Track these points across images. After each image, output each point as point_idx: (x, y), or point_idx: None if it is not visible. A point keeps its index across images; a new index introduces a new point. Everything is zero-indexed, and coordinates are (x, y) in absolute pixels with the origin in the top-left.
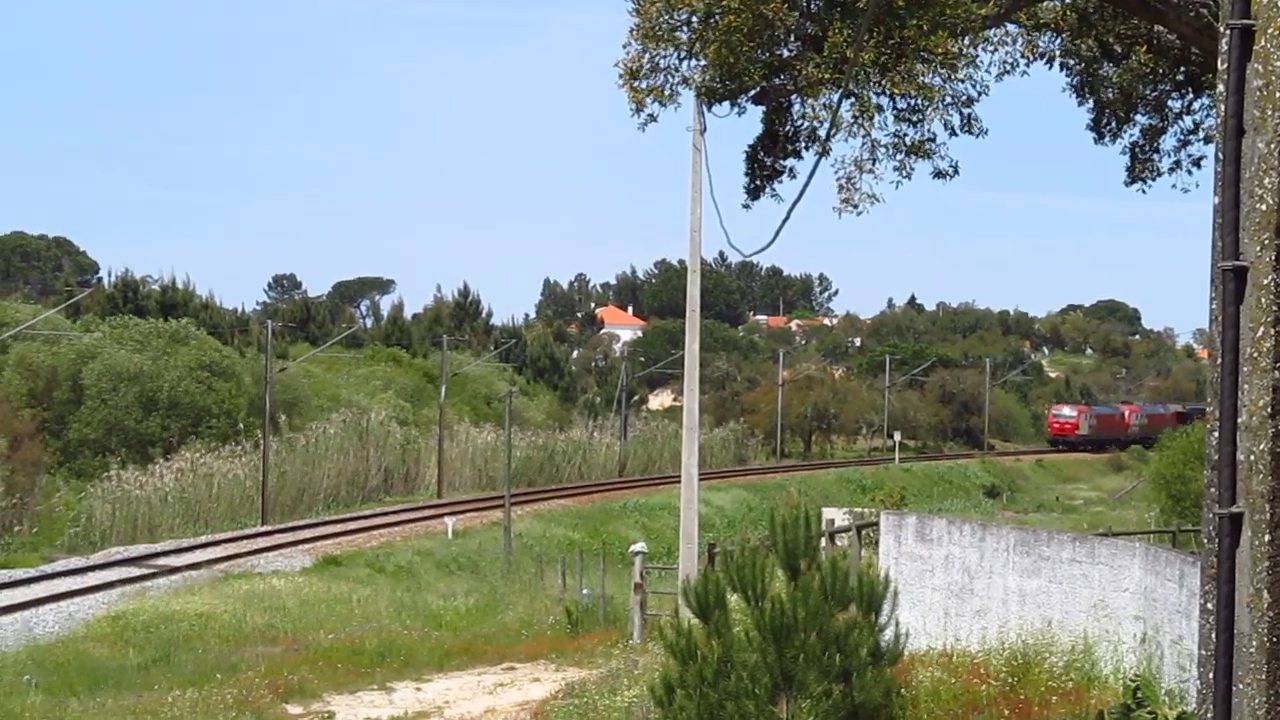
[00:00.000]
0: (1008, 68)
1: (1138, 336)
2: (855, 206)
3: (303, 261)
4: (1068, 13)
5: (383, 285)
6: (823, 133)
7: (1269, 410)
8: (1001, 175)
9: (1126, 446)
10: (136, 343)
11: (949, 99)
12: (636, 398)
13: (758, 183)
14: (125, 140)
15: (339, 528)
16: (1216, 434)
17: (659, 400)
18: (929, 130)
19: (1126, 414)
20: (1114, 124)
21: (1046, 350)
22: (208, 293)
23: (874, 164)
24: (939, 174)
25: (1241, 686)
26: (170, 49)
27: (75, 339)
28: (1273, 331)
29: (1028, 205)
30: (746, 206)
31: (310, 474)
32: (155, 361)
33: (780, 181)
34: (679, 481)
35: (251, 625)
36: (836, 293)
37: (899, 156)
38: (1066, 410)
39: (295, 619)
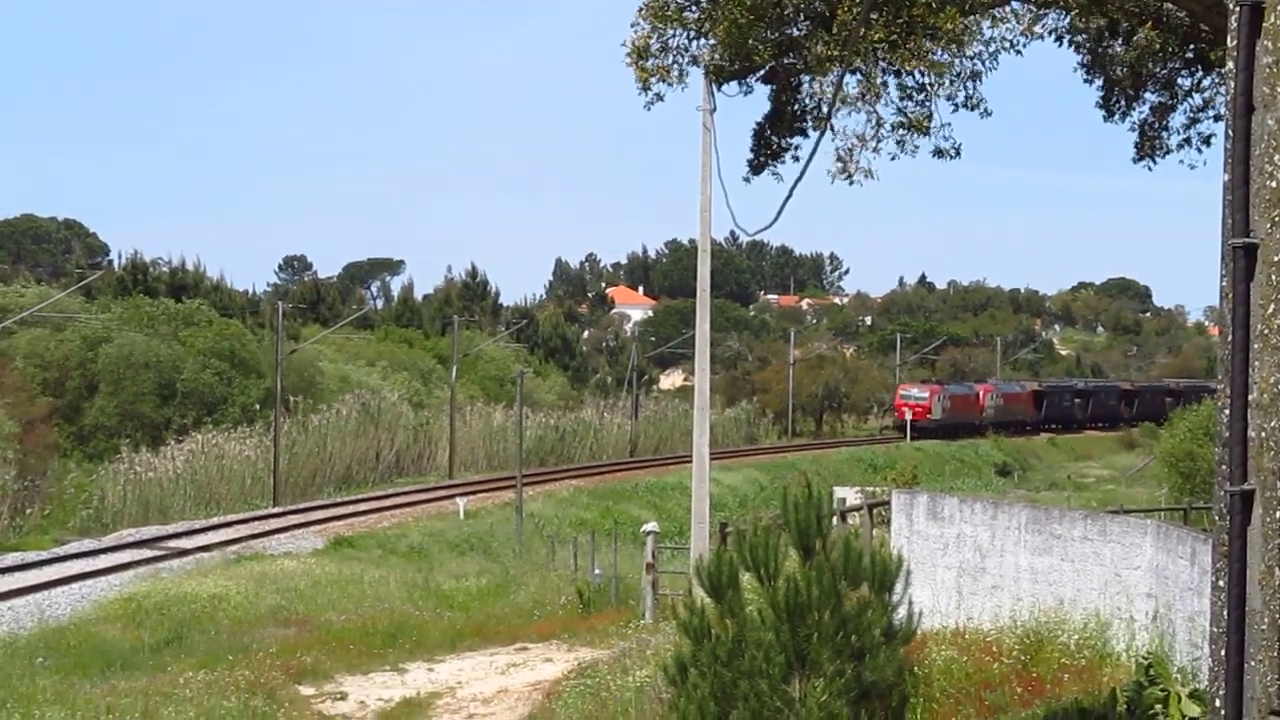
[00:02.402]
0: (1014, 45)
1: (1149, 314)
2: (850, 177)
3: (313, 243)
4: None
5: (393, 266)
6: (829, 110)
7: None
8: (1012, 153)
9: (981, 432)
10: (146, 327)
11: (956, 75)
12: (647, 378)
13: (762, 159)
14: (136, 122)
15: (351, 509)
16: (1228, 411)
17: (670, 380)
18: (933, 107)
19: (981, 394)
20: (1123, 102)
21: (1058, 328)
22: (218, 274)
23: (877, 142)
24: (939, 153)
25: (1253, 663)
26: (181, 30)
27: (86, 321)
28: None
29: (1038, 183)
30: (747, 180)
31: (322, 455)
32: (171, 348)
33: (783, 161)
34: (690, 461)
35: (264, 606)
36: (847, 272)
37: (900, 133)
38: (916, 391)
39: (307, 600)
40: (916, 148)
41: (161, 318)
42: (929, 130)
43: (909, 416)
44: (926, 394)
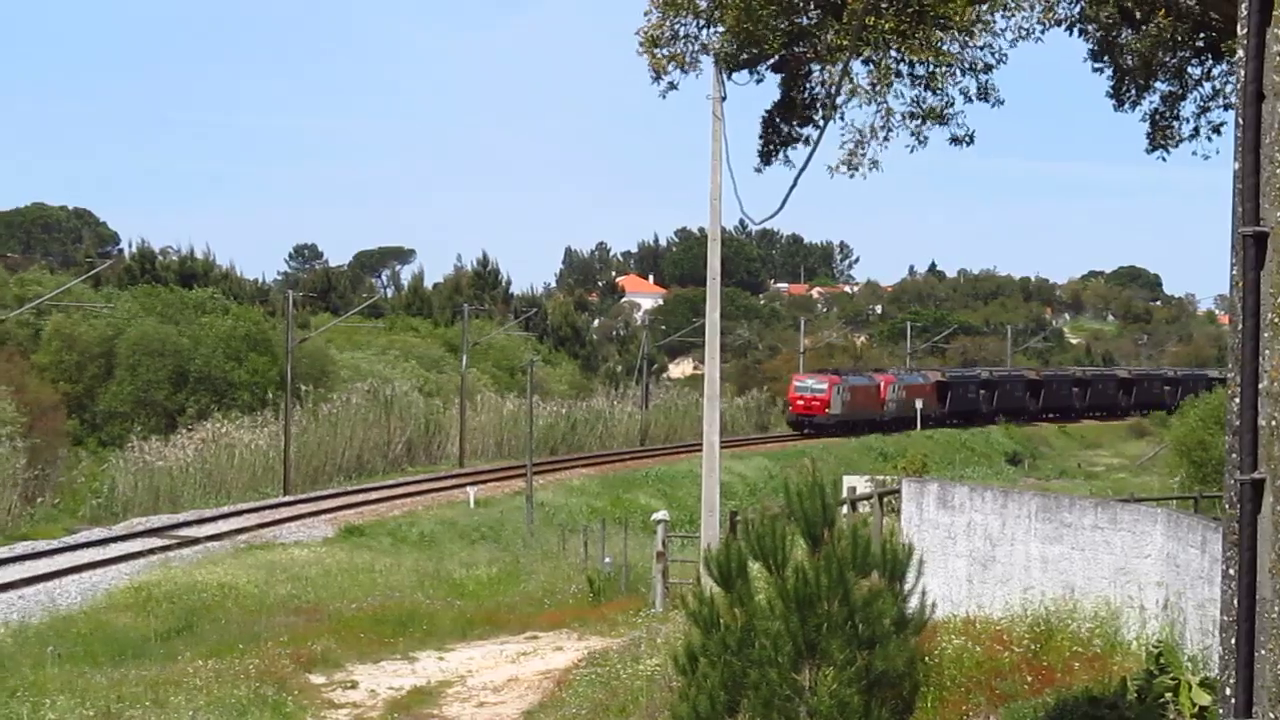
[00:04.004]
0: (1025, 34)
1: (1159, 302)
2: (855, 169)
3: (323, 231)
4: None
5: (403, 255)
6: (834, 99)
7: None
8: (1022, 141)
9: (883, 428)
10: (160, 315)
11: (966, 65)
12: (657, 366)
13: (771, 147)
14: (146, 111)
15: (361, 498)
16: (1238, 400)
17: (680, 369)
18: (947, 96)
19: (883, 386)
20: (1134, 91)
21: (1068, 316)
22: (228, 263)
23: (887, 133)
24: (955, 140)
25: (1264, 652)
26: (191, 19)
27: (108, 310)
28: None
29: (1049, 171)
30: (759, 170)
31: (332, 444)
32: (190, 335)
33: (794, 148)
34: (701, 450)
35: (274, 595)
36: (857, 260)
37: (914, 123)
38: (813, 382)
39: (318, 589)
40: (927, 138)
41: (177, 304)
42: (946, 119)
43: (805, 411)
44: (825, 385)
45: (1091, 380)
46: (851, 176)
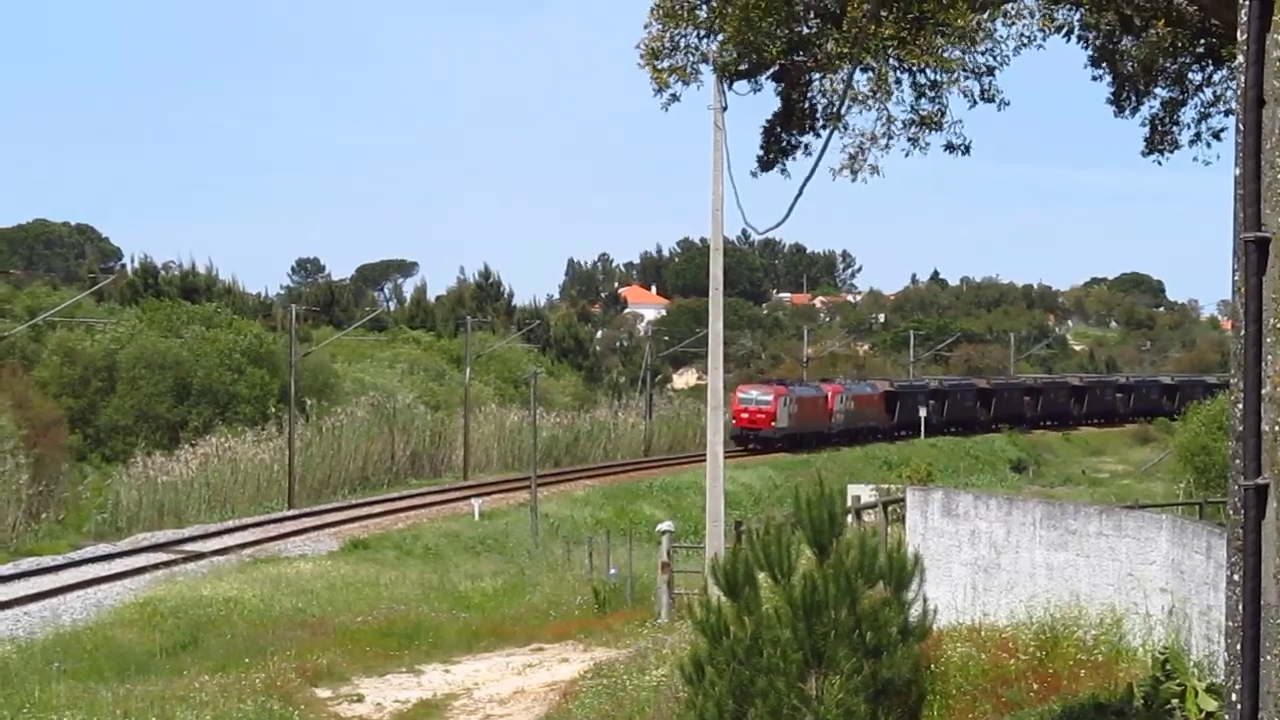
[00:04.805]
0: (1026, 40)
1: (1162, 309)
2: (855, 174)
3: (326, 245)
4: None
5: (406, 268)
6: (838, 107)
7: None
8: (1023, 148)
9: (831, 441)
10: (166, 328)
11: (968, 71)
12: (661, 377)
13: (772, 156)
14: (148, 125)
15: (365, 511)
16: (1241, 406)
17: (684, 379)
18: (944, 103)
19: (830, 396)
20: (1134, 97)
21: (1071, 323)
22: (230, 277)
23: (888, 139)
24: (951, 147)
25: (1269, 658)
26: (191, 31)
27: (111, 325)
28: None
29: (1050, 178)
30: (755, 175)
31: (336, 457)
32: (192, 349)
33: (794, 158)
34: (705, 460)
35: (279, 609)
36: (860, 269)
37: (912, 130)
38: (757, 393)
39: (323, 602)
40: (928, 144)
41: (183, 318)
42: (942, 126)
43: (750, 424)
44: (770, 397)
45: (1042, 389)
46: (853, 180)
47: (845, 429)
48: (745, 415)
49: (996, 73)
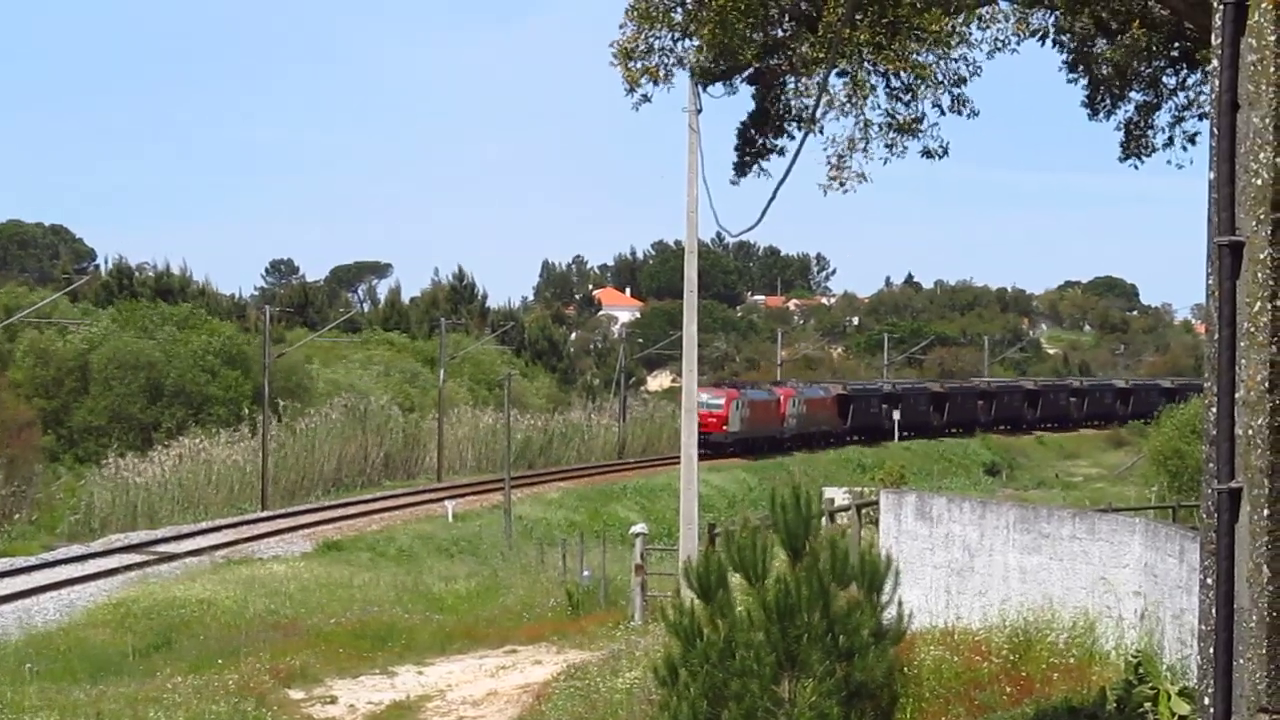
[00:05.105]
0: (1000, 45)
1: (1135, 312)
2: (843, 185)
3: (300, 246)
4: None
5: (380, 269)
6: (813, 111)
7: (1266, 385)
8: (998, 152)
9: (783, 447)
10: (141, 329)
11: (941, 78)
12: (635, 379)
13: (747, 159)
14: (121, 126)
15: (339, 512)
16: (1215, 409)
17: (658, 381)
18: (920, 109)
19: (782, 400)
20: (1108, 100)
21: (1044, 327)
22: (204, 278)
23: (866, 144)
24: (928, 153)
25: (1242, 661)
26: (167, 34)
27: (86, 326)
28: (1269, 306)
29: (1024, 182)
30: (734, 183)
31: (310, 459)
32: (165, 350)
33: (769, 160)
34: (679, 463)
35: (253, 611)
36: (834, 272)
37: (890, 135)
38: (707, 396)
39: (296, 604)
40: (905, 149)
41: (157, 319)
42: (918, 132)
43: (701, 429)
44: (721, 400)
45: (996, 393)
46: (843, 192)
47: (798, 433)
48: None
49: (968, 82)
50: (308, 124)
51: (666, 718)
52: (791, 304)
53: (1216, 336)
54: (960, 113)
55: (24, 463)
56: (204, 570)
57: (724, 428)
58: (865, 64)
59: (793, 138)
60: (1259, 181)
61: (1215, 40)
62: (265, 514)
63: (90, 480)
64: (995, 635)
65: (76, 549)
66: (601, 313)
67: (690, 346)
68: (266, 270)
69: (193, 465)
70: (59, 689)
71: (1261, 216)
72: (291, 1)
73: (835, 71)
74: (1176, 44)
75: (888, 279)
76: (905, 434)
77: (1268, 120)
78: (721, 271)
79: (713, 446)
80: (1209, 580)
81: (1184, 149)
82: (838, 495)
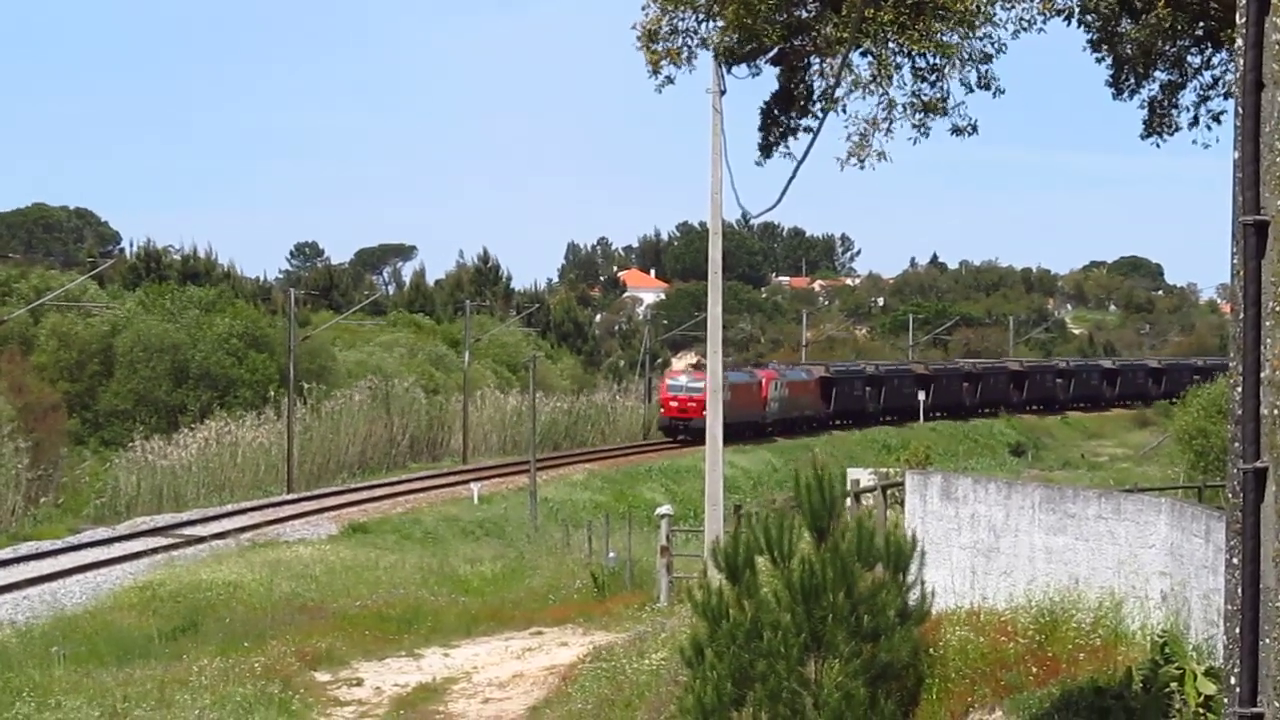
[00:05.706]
0: (1026, 25)
1: (1160, 292)
2: (863, 162)
3: (325, 229)
4: None
5: (405, 252)
6: (833, 90)
7: None
8: (1023, 132)
9: (765, 432)
10: (167, 311)
11: (966, 56)
12: (660, 360)
13: (771, 139)
14: (146, 110)
15: (365, 495)
16: (1240, 389)
17: (682, 362)
18: (946, 88)
19: (764, 383)
20: (1133, 80)
21: (1070, 307)
22: (229, 261)
23: (890, 124)
24: (957, 130)
25: (1268, 640)
26: (191, 16)
27: (109, 310)
28: None
29: (1050, 162)
30: (759, 164)
31: (336, 441)
32: (190, 333)
33: (794, 139)
34: (704, 444)
35: (279, 594)
36: (859, 253)
37: (916, 115)
38: (686, 380)
39: (322, 587)
40: (930, 129)
41: (184, 302)
42: (945, 111)
43: (680, 414)
44: (701, 384)
45: (981, 375)
46: (861, 168)
47: (779, 418)
48: (675, 404)
49: (994, 59)
50: (333, 107)
51: (692, 699)
52: (816, 285)
53: (1241, 316)
54: (988, 89)
55: (50, 446)
56: (230, 553)
57: (704, 412)
58: (890, 44)
59: (818, 118)
60: None
61: (1240, 19)
62: (291, 496)
63: (116, 463)
64: (1021, 616)
65: (103, 532)
66: (626, 294)
67: (715, 328)
68: (291, 253)
69: (218, 448)
70: (86, 672)
71: None
72: None
73: (859, 51)
74: (1201, 23)
75: (913, 259)
76: (887, 419)
77: None
78: (746, 252)
79: (692, 432)
80: (1235, 560)
81: (1209, 128)
82: (863, 476)
